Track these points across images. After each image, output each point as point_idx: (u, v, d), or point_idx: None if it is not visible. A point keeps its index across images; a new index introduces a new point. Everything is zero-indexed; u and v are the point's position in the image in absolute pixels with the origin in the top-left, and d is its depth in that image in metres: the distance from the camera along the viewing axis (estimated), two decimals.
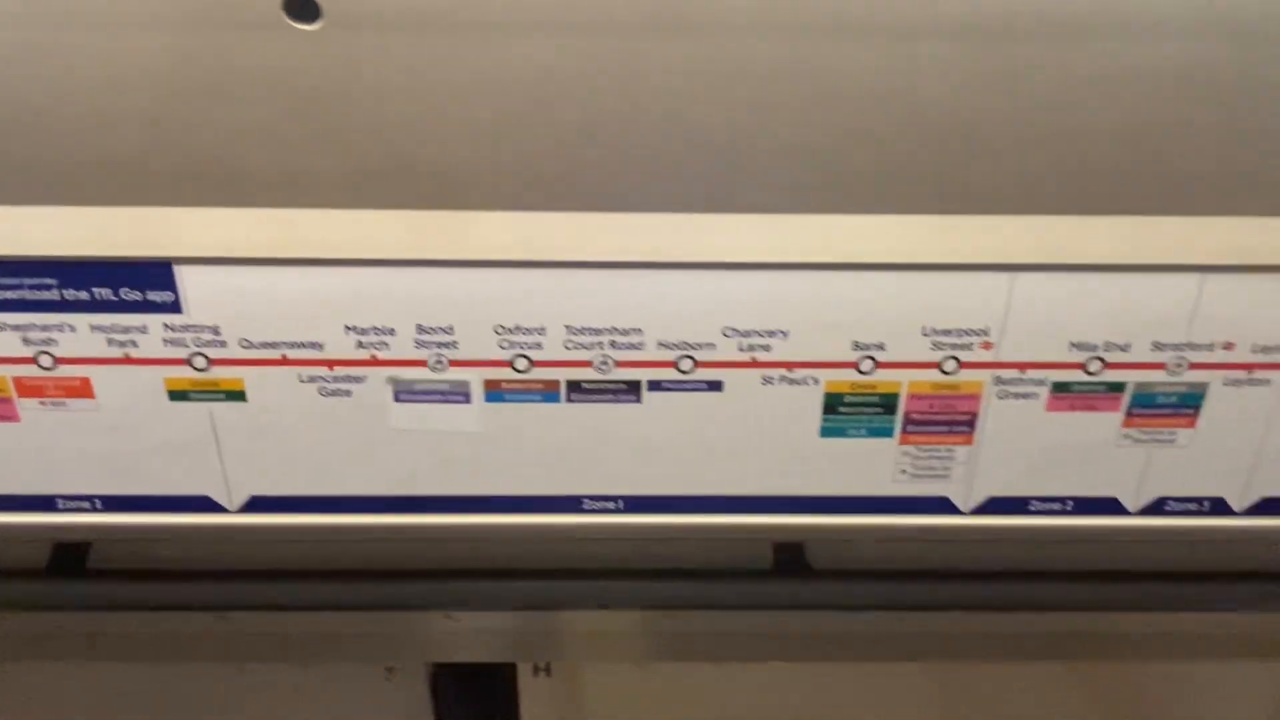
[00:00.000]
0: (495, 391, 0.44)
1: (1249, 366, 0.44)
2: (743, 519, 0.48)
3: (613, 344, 0.43)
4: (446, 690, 0.73)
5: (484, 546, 0.56)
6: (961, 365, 0.44)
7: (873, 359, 0.44)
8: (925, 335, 0.43)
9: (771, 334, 0.43)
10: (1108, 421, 0.45)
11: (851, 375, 0.44)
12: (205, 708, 0.73)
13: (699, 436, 0.46)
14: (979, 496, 0.47)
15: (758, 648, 0.62)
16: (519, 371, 0.44)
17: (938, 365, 0.44)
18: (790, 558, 0.55)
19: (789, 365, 0.44)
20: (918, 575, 0.55)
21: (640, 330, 0.43)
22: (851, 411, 0.45)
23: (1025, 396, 0.45)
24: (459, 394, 0.44)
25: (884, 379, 0.44)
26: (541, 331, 0.43)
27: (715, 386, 0.44)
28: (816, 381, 0.44)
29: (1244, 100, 0.37)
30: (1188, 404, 0.45)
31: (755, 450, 0.46)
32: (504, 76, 0.36)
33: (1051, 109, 0.37)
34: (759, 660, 0.65)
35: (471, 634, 0.67)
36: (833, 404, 0.45)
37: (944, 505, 0.48)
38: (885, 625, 0.60)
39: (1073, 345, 0.43)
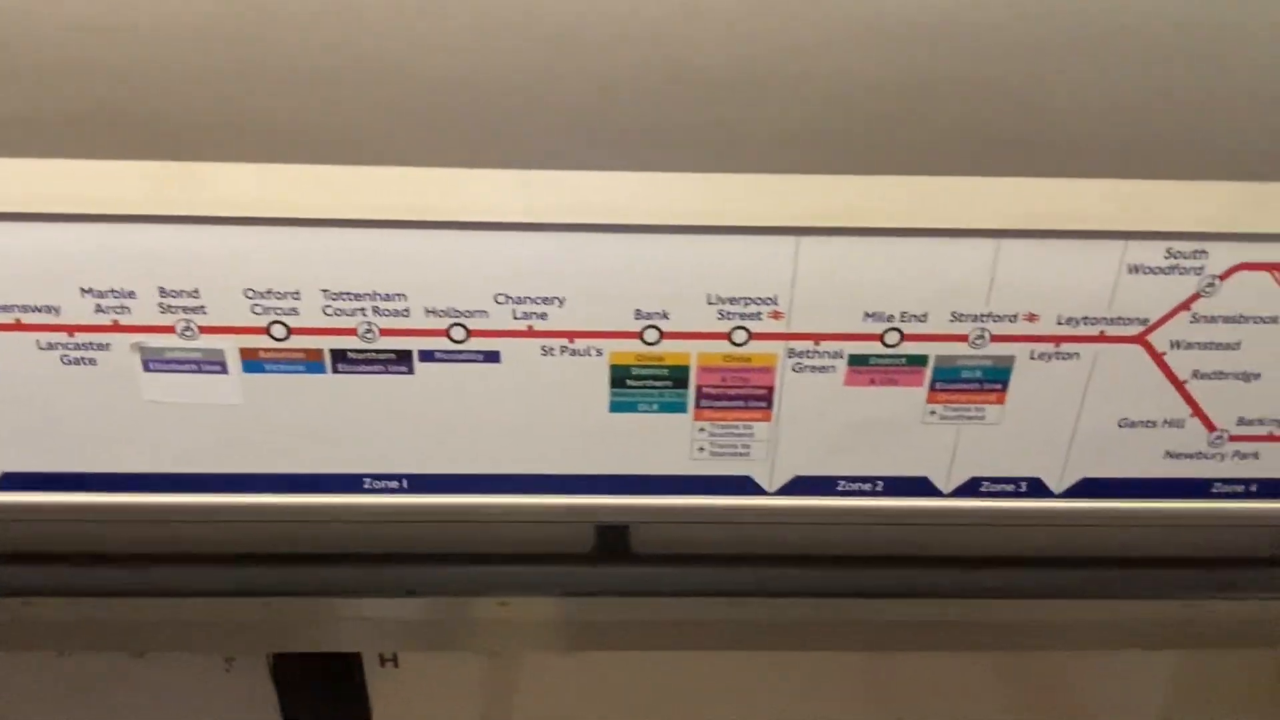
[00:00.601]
0: (254, 361, 0.41)
1: (1055, 339, 0.41)
2: (534, 499, 0.45)
3: (375, 310, 0.40)
4: (290, 681, 0.70)
5: (309, 529, 0.53)
6: (752, 336, 0.41)
7: (658, 329, 0.41)
8: (711, 304, 0.40)
9: (547, 301, 0.40)
10: (912, 396, 0.43)
11: (637, 346, 0.41)
12: (24, 698, 0.69)
13: (481, 411, 0.43)
14: (783, 476, 0.45)
15: (599, 634, 0.60)
16: (276, 339, 0.41)
17: (727, 336, 0.41)
18: (612, 541, 0.53)
19: (569, 335, 0.41)
20: (745, 559, 0.52)
21: (404, 295, 0.40)
22: (640, 385, 0.42)
23: (822, 370, 0.42)
24: (214, 363, 0.41)
25: (671, 350, 0.41)
26: (297, 296, 0.40)
27: (492, 357, 0.41)
28: (600, 353, 0.41)
29: (1038, 57, 0.34)
30: (994, 378, 0.42)
31: (542, 426, 0.43)
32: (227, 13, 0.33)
33: (828, 57, 0.34)
34: (600, 648, 0.63)
35: (308, 623, 0.64)
36: (620, 377, 0.42)
37: (748, 485, 0.45)
38: (726, 610, 0.57)
39: (867, 315, 0.41)
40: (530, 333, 0.41)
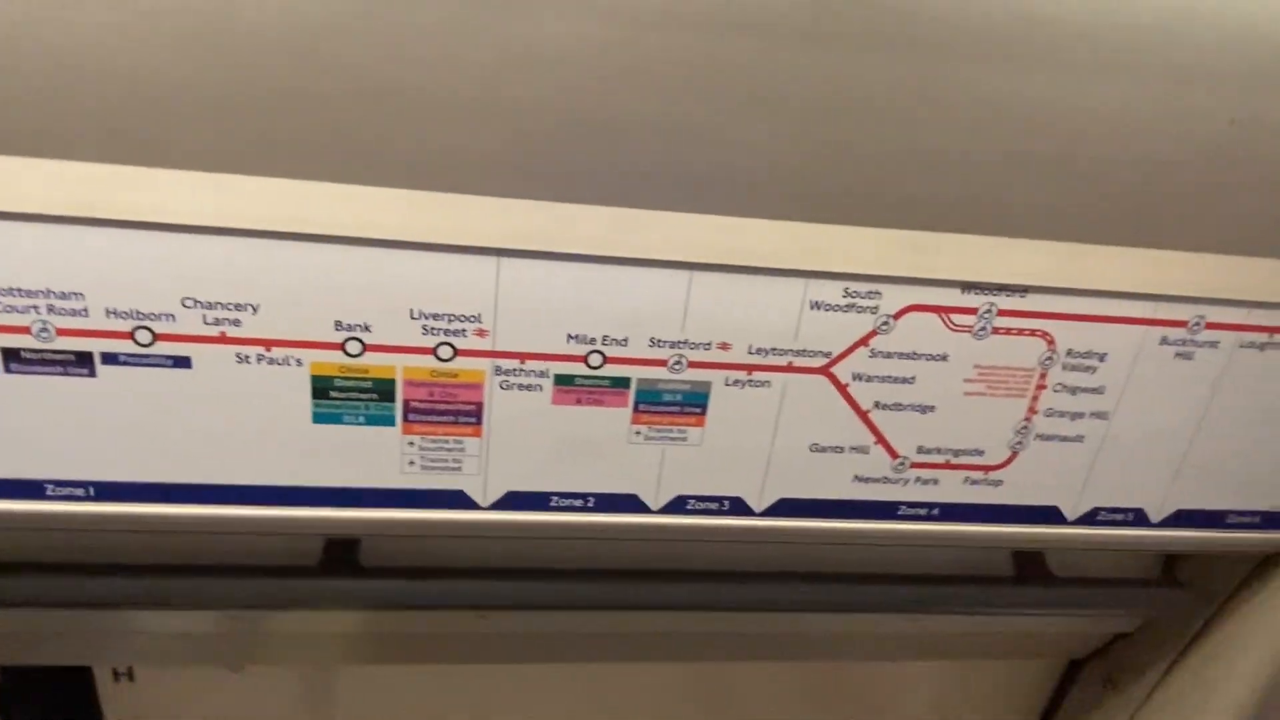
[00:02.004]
0: None
1: (747, 368, 0.44)
2: (232, 510, 0.44)
3: (50, 309, 0.38)
4: (15, 696, 0.65)
5: (34, 538, 0.50)
6: (458, 352, 0.42)
7: (360, 341, 0.41)
8: (415, 319, 0.41)
9: (240, 307, 0.39)
10: (618, 417, 0.44)
11: (338, 357, 0.41)
12: None
13: (172, 417, 0.41)
14: (496, 491, 0.45)
15: (331, 647, 0.59)
16: None
17: (432, 351, 0.41)
18: (340, 554, 0.52)
19: (265, 343, 0.40)
20: (479, 573, 0.53)
21: (82, 295, 0.38)
22: (344, 397, 0.42)
23: (529, 388, 0.43)
24: None
25: (376, 363, 0.41)
26: None
27: (182, 363, 0.40)
28: (300, 363, 0.41)
29: (717, 102, 0.37)
30: (693, 402, 0.45)
31: (241, 436, 0.42)
32: None
33: (521, 85, 0.35)
34: (335, 661, 0.62)
35: (33, 636, 0.60)
36: (322, 388, 0.41)
37: (461, 499, 0.45)
38: (465, 624, 0.58)
39: (570, 337, 0.42)
40: (223, 339, 0.40)
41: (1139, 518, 0.51)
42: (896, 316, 0.44)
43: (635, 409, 0.44)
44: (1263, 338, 0.47)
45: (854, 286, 0.43)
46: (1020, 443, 0.48)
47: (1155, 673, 0.66)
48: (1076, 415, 0.48)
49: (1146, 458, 0.49)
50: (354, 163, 0.37)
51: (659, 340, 0.43)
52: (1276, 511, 0.52)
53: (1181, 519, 0.52)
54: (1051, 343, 0.45)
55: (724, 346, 0.43)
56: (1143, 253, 0.43)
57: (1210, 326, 0.46)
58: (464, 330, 0.41)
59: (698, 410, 0.45)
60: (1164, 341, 0.46)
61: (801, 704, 0.74)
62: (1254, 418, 0.49)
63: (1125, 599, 0.60)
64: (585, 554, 0.54)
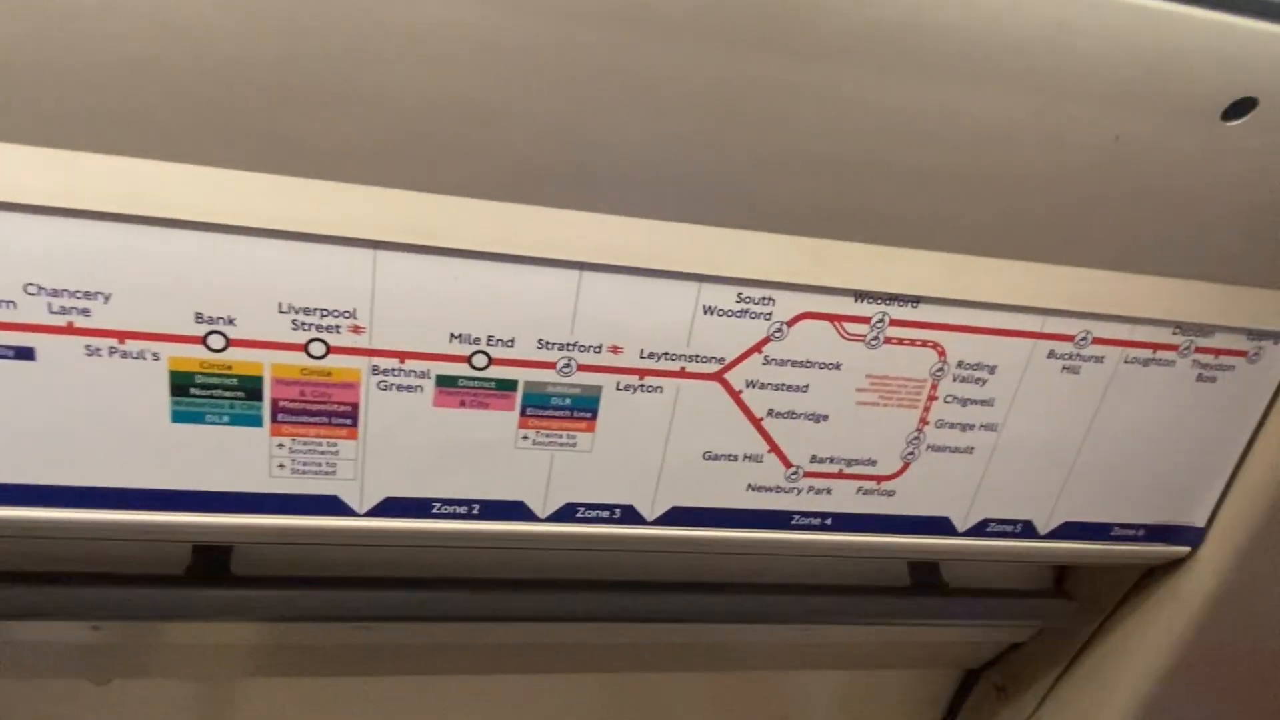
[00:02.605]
0: None
1: (639, 372, 0.43)
2: (85, 514, 0.40)
3: None
4: None
5: None
6: (331, 350, 0.39)
7: (223, 335, 0.38)
8: (283, 312, 0.38)
9: (89, 295, 0.36)
10: (504, 421, 0.43)
11: (200, 352, 0.38)
12: None
13: (15, 413, 0.38)
14: (374, 497, 0.43)
15: (202, 659, 0.55)
16: None
17: (303, 348, 0.39)
18: (210, 562, 0.49)
19: (118, 335, 0.37)
20: (357, 582, 0.50)
21: None
22: (207, 395, 0.39)
23: (409, 389, 0.41)
24: None
25: (241, 359, 0.39)
26: None
27: (25, 354, 0.37)
28: (157, 357, 0.38)
29: (607, 99, 0.35)
30: (583, 407, 0.43)
31: (93, 434, 0.39)
32: None
33: (392, 71, 0.33)
34: (206, 674, 0.59)
35: None
36: (182, 385, 0.39)
37: (336, 505, 0.43)
38: (342, 635, 0.55)
39: (453, 336, 0.40)
40: (71, 330, 0.37)
41: (1027, 529, 0.52)
42: (790, 324, 0.43)
43: (522, 413, 0.43)
44: (1146, 354, 0.48)
45: (747, 292, 0.42)
46: (912, 453, 0.48)
47: (1045, 682, 0.68)
48: (967, 426, 0.48)
49: (1034, 470, 0.50)
50: (217, 145, 0.34)
51: (547, 342, 0.41)
52: (1158, 525, 0.54)
53: (1068, 531, 0.52)
54: (942, 354, 0.46)
55: (615, 350, 0.42)
56: (1031, 266, 0.44)
57: (1096, 342, 0.47)
58: (338, 326, 0.39)
59: (588, 415, 0.43)
60: (1051, 355, 0.47)
61: (699, 713, 0.73)
62: (1137, 433, 0.50)
63: (1017, 610, 0.61)
64: (471, 563, 0.52)
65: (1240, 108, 0.37)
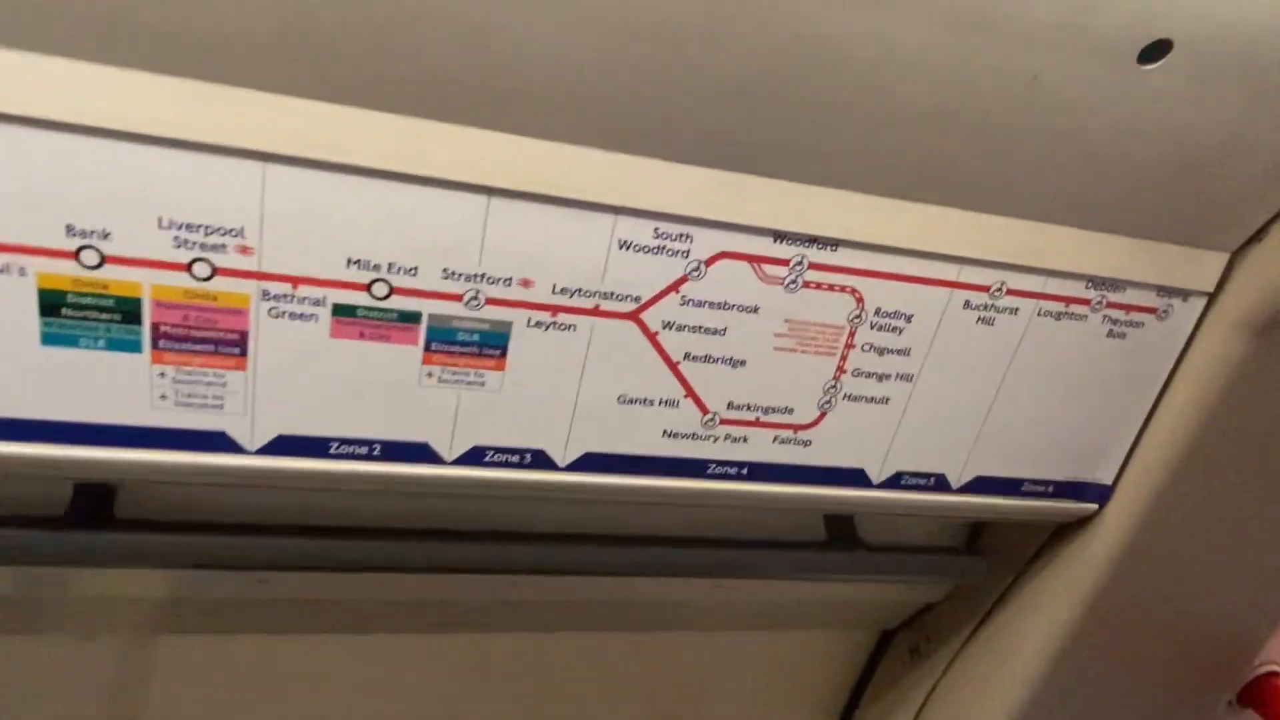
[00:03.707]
0: None
1: (551, 308, 0.41)
2: None
3: None
4: None
5: None
6: (218, 271, 0.37)
7: (97, 251, 0.35)
8: (164, 228, 0.36)
9: None
10: (407, 355, 0.41)
11: (72, 268, 0.35)
12: None
13: None
14: (265, 434, 0.41)
15: (84, 610, 0.52)
16: None
17: (186, 268, 0.37)
18: (92, 503, 0.46)
19: None
20: (256, 529, 0.48)
21: None
22: (80, 316, 0.36)
23: (303, 317, 0.39)
24: None
25: (118, 277, 0.36)
26: None
27: None
28: (24, 272, 0.35)
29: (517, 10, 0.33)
30: (492, 343, 0.41)
31: None
32: None
33: None
34: (90, 629, 0.55)
35: None
36: (53, 304, 0.36)
37: (223, 441, 0.41)
38: (237, 587, 0.52)
39: (352, 262, 0.38)
40: None
41: (940, 483, 0.52)
42: (708, 263, 0.42)
43: (427, 348, 0.41)
44: (1059, 307, 0.48)
45: (665, 227, 0.41)
46: (829, 403, 0.48)
47: (957, 641, 0.68)
48: (883, 376, 0.48)
49: (949, 423, 0.50)
50: (88, 39, 0.32)
51: (453, 272, 0.39)
52: (1067, 481, 0.55)
53: (980, 486, 0.53)
54: (860, 300, 0.45)
55: (526, 284, 0.40)
56: (949, 213, 0.44)
57: (1011, 293, 0.47)
58: (224, 246, 0.36)
59: (497, 352, 0.42)
60: (967, 305, 0.47)
61: (611, 676, 0.73)
62: (1048, 388, 0.51)
63: (931, 567, 0.62)
64: (386, 511, 0.50)
65: (1156, 50, 0.37)
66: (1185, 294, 0.50)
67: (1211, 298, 0.50)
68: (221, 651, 0.62)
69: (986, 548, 0.64)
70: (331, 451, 0.42)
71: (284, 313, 0.38)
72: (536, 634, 0.67)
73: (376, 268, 0.38)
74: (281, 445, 0.41)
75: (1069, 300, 0.48)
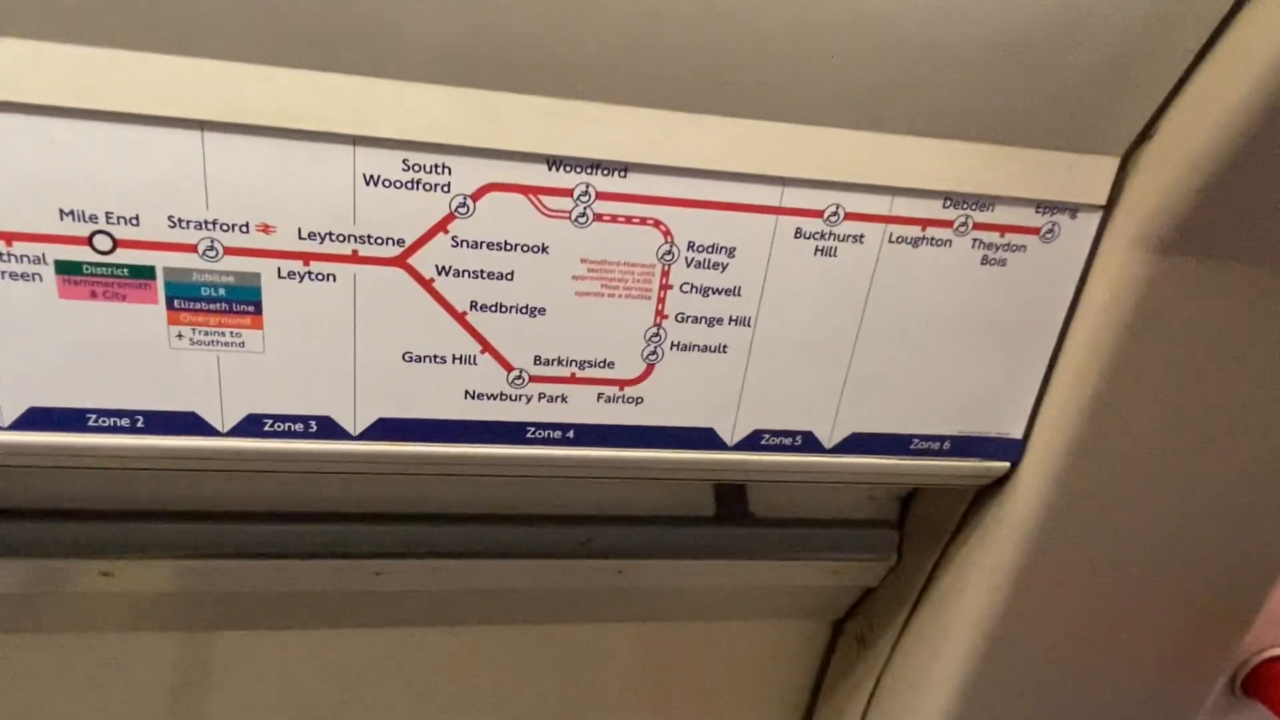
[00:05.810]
0: None
1: (302, 256, 0.38)
2: None
3: None
4: None
5: None
6: None
7: None
8: None
9: None
10: (150, 315, 0.38)
11: None
12: None
13: None
14: (15, 408, 0.38)
15: None
16: None
17: None
18: None
19: None
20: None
21: None
22: None
23: (24, 278, 0.36)
24: None
25: None
26: None
27: None
28: None
29: None
30: (242, 298, 0.38)
31: None
32: None
33: None
34: None
35: None
36: None
37: None
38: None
39: (65, 214, 0.35)
40: None
41: (810, 442, 0.46)
42: (475, 198, 0.38)
43: (170, 305, 0.38)
44: (914, 231, 0.42)
45: (415, 158, 0.37)
46: (655, 353, 0.43)
47: (896, 627, 0.62)
48: (714, 321, 0.42)
49: (805, 372, 0.44)
50: None
51: (181, 220, 0.36)
52: (965, 436, 0.48)
53: (858, 444, 0.47)
54: (668, 234, 0.40)
55: (266, 229, 0.37)
56: (759, 125, 0.38)
57: (851, 218, 0.41)
58: None
59: (250, 308, 0.38)
60: (799, 234, 0.41)
61: (541, 667, 0.68)
62: (920, 328, 0.44)
63: (835, 542, 0.56)
64: (190, 494, 0.47)
65: None
66: (1073, 209, 0.43)
67: (1106, 211, 0.43)
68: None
69: (911, 522, 0.58)
70: (90, 424, 0.39)
71: (2, 273, 0.36)
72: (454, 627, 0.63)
73: (93, 218, 0.35)
74: (34, 419, 0.39)
75: (924, 223, 0.42)
